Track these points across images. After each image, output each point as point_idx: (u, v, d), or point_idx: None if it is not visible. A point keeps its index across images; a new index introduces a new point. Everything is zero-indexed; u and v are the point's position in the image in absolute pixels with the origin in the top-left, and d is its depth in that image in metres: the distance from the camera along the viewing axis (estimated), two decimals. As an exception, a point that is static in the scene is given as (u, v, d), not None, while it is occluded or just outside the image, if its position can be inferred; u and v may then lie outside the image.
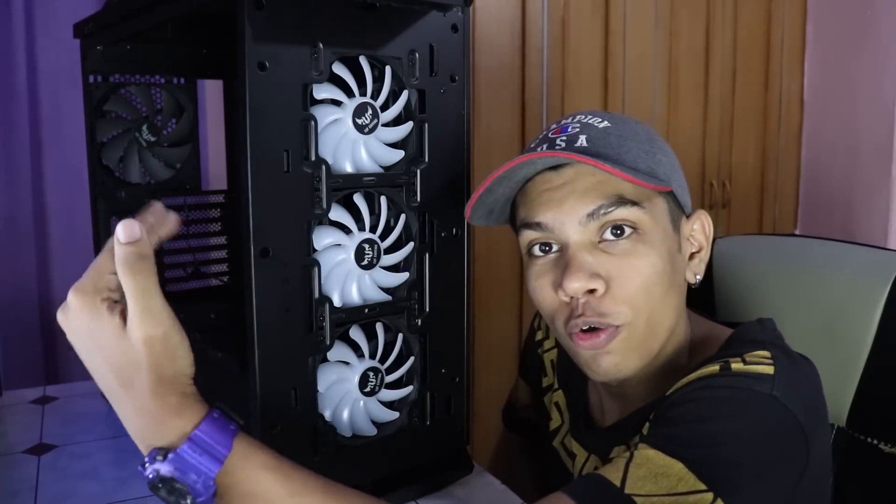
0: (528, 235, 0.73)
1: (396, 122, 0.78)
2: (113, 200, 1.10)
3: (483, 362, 2.05)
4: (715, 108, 2.38)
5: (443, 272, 0.82)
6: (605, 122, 0.72)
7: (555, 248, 0.72)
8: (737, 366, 0.66)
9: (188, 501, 0.52)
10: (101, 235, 1.09)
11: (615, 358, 0.71)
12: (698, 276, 0.75)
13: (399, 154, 0.77)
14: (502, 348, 2.09)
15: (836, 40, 2.44)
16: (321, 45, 0.71)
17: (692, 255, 0.75)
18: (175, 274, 1.17)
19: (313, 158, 0.71)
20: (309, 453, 0.75)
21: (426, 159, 0.79)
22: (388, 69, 0.76)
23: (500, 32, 2.01)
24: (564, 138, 0.71)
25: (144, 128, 1.11)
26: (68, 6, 1.60)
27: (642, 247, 0.69)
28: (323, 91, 0.72)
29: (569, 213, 0.69)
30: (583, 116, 0.74)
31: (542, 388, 0.96)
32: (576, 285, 0.68)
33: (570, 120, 0.74)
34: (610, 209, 0.68)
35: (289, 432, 0.73)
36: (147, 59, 1.10)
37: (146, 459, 0.54)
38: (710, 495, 0.58)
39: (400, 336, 0.80)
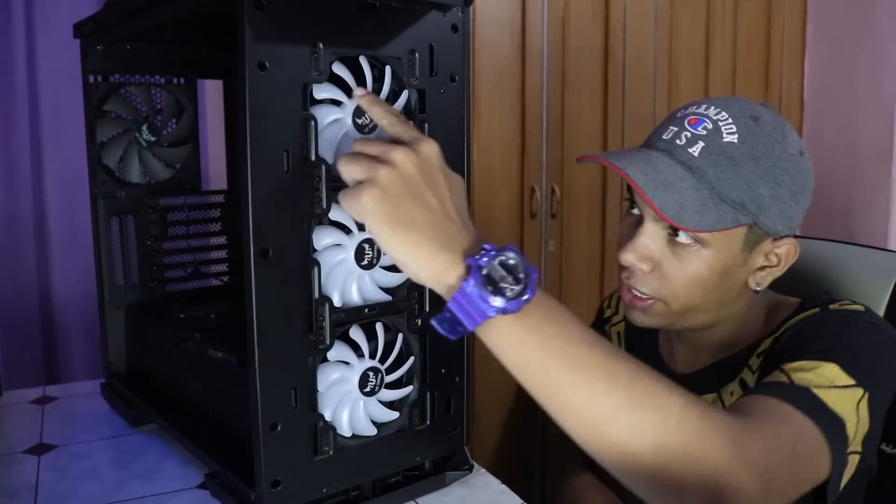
0: (627, 193, 0.84)
1: (396, 122, 0.78)
2: (113, 200, 1.10)
3: (483, 362, 2.05)
4: (715, 108, 2.38)
5: (443, 272, 0.82)
6: (734, 137, 0.76)
7: (635, 210, 0.83)
8: (833, 306, 0.79)
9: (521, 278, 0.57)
10: (101, 235, 1.10)
11: (644, 317, 0.82)
12: (759, 287, 0.83)
13: (399, 154, 0.77)
14: (502, 348, 2.09)
15: (836, 40, 2.44)
16: (321, 45, 0.71)
17: (763, 268, 0.82)
18: (175, 274, 1.17)
19: (313, 158, 0.71)
20: (309, 453, 0.75)
21: (426, 159, 0.79)
22: (388, 69, 0.76)
23: (500, 32, 2.01)
24: (689, 135, 0.77)
25: (144, 128, 1.11)
26: (68, 6, 1.60)
27: (696, 258, 0.78)
28: (323, 91, 0.72)
29: (648, 209, 0.79)
30: (725, 115, 0.77)
31: (602, 321, 1.06)
32: (627, 257, 0.80)
33: (712, 112, 0.78)
34: (670, 229, 0.79)
35: (289, 432, 0.73)
36: (147, 59, 1.10)
37: (475, 259, 0.57)
38: (860, 390, 0.70)
39: (400, 336, 0.80)
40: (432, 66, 0.79)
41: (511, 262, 0.58)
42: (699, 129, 0.77)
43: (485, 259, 0.57)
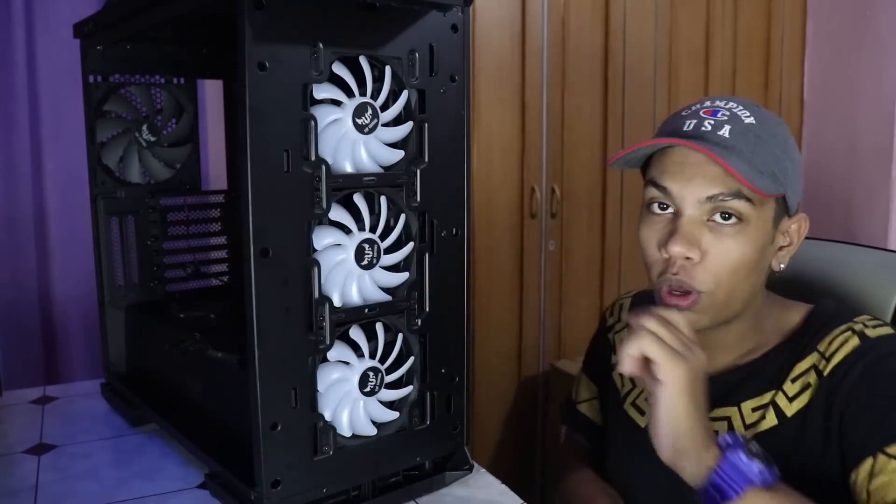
0: (652, 192, 0.82)
1: (396, 122, 0.78)
2: (113, 200, 1.10)
3: (483, 362, 2.05)
4: (715, 108, 2.38)
5: (443, 272, 0.82)
6: (752, 119, 0.79)
7: (670, 210, 0.81)
8: (871, 331, 0.79)
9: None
10: (101, 235, 1.10)
11: (691, 316, 0.80)
12: (782, 266, 0.84)
13: (399, 154, 0.77)
14: (502, 348, 2.09)
15: (836, 40, 2.44)
16: (321, 45, 0.71)
17: (782, 248, 0.83)
18: (175, 274, 1.17)
19: (313, 158, 0.71)
20: (309, 453, 0.75)
21: (426, 159, 0.79)
22: (388, 69, 0.76)
23: (500, 32, 2.01)
24: (712, 122, 0.79)
25: (144, 128, 1.11)
26: (68, 6, 1.60)
27: (741, 236, 0.78)
28: (323, 91, 0.72)
29: (693, 190, 0.78)
30: (735, 105, 0.81)
31: (610, 366, 1.02)
32: (677, 249, 0.78)
33: (722, 104, 0.81)
34: (727, 199, 0.77)
35: (289, 432, 0.73)
36: (147, 59, 1.10)
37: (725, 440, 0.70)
38: None
39: (400, 336, 0.80)
40: (432, 66, 0.79)
41: (753, 447, 0.69)
42: (719, 115, 0.79)
43: (734, 441, 0.69)
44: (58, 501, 0.84)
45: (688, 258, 0.78)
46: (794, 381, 0.81)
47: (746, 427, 0.81)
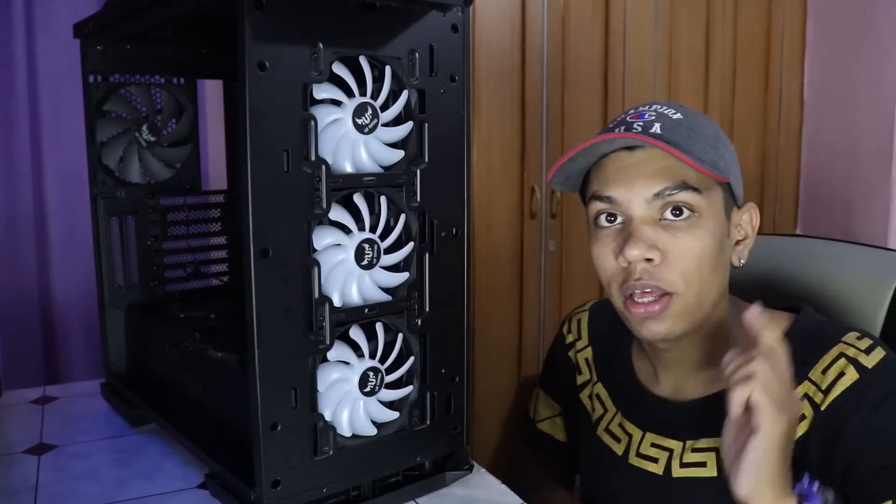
0: (597, 206, 0.81)
1: (396, 122, 0.78)
2: (113, 200, 1.10)
3: (483, 362, 2.05)
4: (715, 108, 2.38)
5: (443, 272, 0.82)
6: (679, 115, 0.79)
7: (619, 220, 0.79)
8: (866, 359, 0.75)
9: None
10: (101, 235, 1.10)
11: (666, 324, 0.79)
12: (742, 261, 0.82)
13: (399, 154, 0.77)
14: (502, 348, 2.09)
15: (836, 40, 2.44)
16: (321, 45, 0.71)
17: (738, 242, 0.83)
18: (175, 274, 1.17)
19: (313, 158, 0.71)
20: (309, 453, 0.75)
21: (426, 159, 0.79)
22: (388, 69, 0.76)
23: (500, 32, 2.01)
24: (641, 123, 0.78)
25: (144, 128, 1.11)
26: (68, 6, 1.60)
27: (697, 229, 0.77)
28: (323, 91, 0.72)
29: (637, 190, 0.77)
30: (658, 106, 0.81)
31: (576, 387, 1.00)
32: (635, 252, 0.76)
33: (646, 108, 0.81)
34: (674, 192, 0.76)
35: (289, 432, 0.73)
36: (147, 59, 1.10)
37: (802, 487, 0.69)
38: None
39: (400, 336, 0.80)
40: (432, 66, 0.79)
41: (829, 497, 0.69)
42: (646, 117, 0.79)
43: (812, 491, 0.69)
44: (58, 501, 0.84)
45: (648, 259, 0.77)
46: None
47: None
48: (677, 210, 0.77)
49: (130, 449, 0.98)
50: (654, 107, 0.81)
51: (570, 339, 1.03)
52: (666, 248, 0.77)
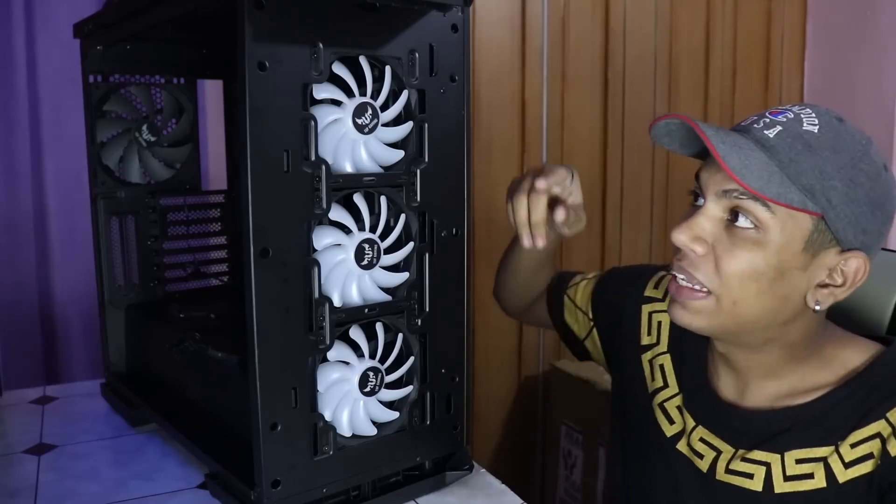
0: (693, 184, 0.78)
1: (396, 122, 0.78)
2: (113, 200, 1.10)
3: (483, 362, 2.05)
4: (715, 107, 2.38)
5: (443, 272, 0.82)
6: (814, 128, 0.72)
7: (699, 202, 0.76)
8: None
9: None
10: (101, 235, 1.10)
11: (688, 314, 0.75)
12: (818, 306, 0.74)
13: (399, 154, 0.77)
14: (502, 348, 2.09)
15: (836, 40, 2.44)
16: (321, 45, 0.71)
17: (826, 286, 0.73)
18: (175, 274, 1.17)
19: (313, 158, 0.71)
20: (309, 453, 0.75)
21: (426, 159, 0.79)
22: (388, 69, 0.76)
23: (500, 32, 2.01)
24: (768, 120, 0.73)
25: (144, 128, 1.11)
26: (68, 6, 1.60)
27: (753, 244, 0.71)
28: (323, 91, 0.72)
29: (715, 180, 0.73)
30: (807, 111, 0.74)
31: (638, 345, 0.94)
32: (680, 237, 0.74)
33: (796, 108, 0.75)
34: (742, 197, 0.71)
35: (289, 432, 0.73)
36: (147, 59, 1.10)
37: None
38: None
39: (400, 336, 0.80)
40: (432, 66, 0.79)
41: None
42: (780, 117, 0.74)
43: None
44: (58, 501, 0.84)
45: (692, 250, 0.74)
46: (854, 446, 0.72)
47: (787, 479, 0.75)
48: (745, 218, 0.72)
49: (130, 449, 0.98)
50: (804, 110, 0.74)
51: (650, 293, 0.96)
52: (716, 247, 0.73)
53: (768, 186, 0.69)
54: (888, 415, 0.71)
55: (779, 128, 0.72)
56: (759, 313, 0.74)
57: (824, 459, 0.73)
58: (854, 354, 0.77)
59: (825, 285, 0.73)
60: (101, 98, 1.08)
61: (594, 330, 1.00)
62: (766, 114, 0.75)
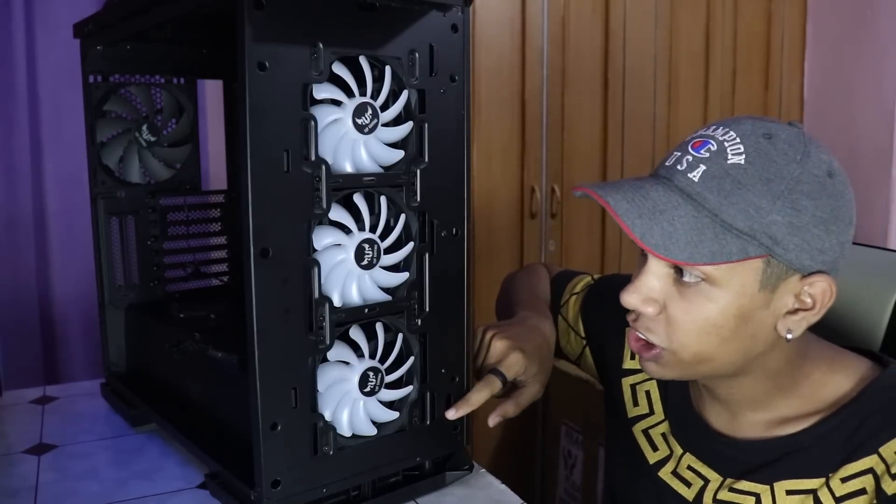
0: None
1: (396, 122, 0.78)
2: (113, 200, 1.10)
3: (483, 362, 2.05)
4: (715, 108, 2.38)
5: (443, 272, 0.82)
6: (741, 158, 0.67)
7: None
8: None
9: None
10: (101, 235, 1.10)
11: (657, 368, 0.74)
12: (790, 335, 0.70)
13: (399, 154, 0.77)
14: (502, 348, 2.09)
15: (836, 40, 2.44)
16: (321, 45, 0.71)
17: (796, 311, 0.70)
18: (175, 274, 1.17)
19: (313, 158, 0.71)
20: (309, 453, 0.75)
21: (426, 159, 0.79)
22: (388, 69, 0.76)
23: (500, 32, 2.01)
24: (689, 160, 0.69)
25: (144, 128, 1.11)
26: (68, 6, 1.60)
27: (705, 299, 0.68)
28: (323, 91, 0.72)
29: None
30: (732, 136, 0.68)
31: (621, 369, 0.92)
32: (629, 300, 0.72)
33: (720, 133, 0.69)
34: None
35: (289, 432, 0.73)
36: (147, 59, 1.10)
37: None
38: None
39: (400, 336, 0.80)
40: (432, 66, 0.79)
41: None
42: (702, 151, 0.68)
43: None
44: (58, 501, 0.84)
45: (644, 312, 0.71)
46: (845, 480, 0.70)
47: None
48: (693, 277, 0.69)
49: (130, 449, 0.98)
50: (728, 135, 0.69)
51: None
52: (667, 303, 0.70)
53: (699, 251, 0.65)
54: (880, 450, 0.68)
55: (702, 167, 0.67)
56: (727, 358, 0.71)
57: (814, 492, 0.71)
58: (845, 379, 0.74)
59: (795, 311, 0.70)
60: (101, 98, 1.08)
61: (586, 348, 0.99)
62: (689, 148, 0.70)
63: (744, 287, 0.67)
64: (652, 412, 0.87)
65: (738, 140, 0.68)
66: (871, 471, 0.68)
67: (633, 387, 0.90)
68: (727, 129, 0.69)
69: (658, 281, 0.70)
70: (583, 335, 0.99)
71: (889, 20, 2.27)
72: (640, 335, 0.73)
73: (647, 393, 0.89)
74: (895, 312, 0.92)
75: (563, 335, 1.01)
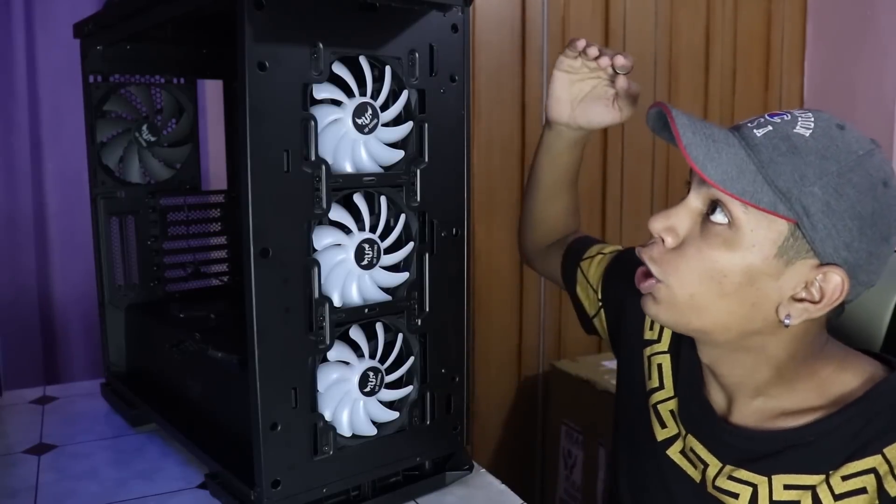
0: (689, 175, 0.76)
1: (396, 122, 0.78)
2: (113, 200, 1.10)
3: (483, 362, 2.05)
4: (715, 108, 2.38)
5: (443, 272, 0.82)
6: (807, 132, 0.68)
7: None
8: None
9: None
10: (101, 235, 1.10)
11: (651, 307, 0.75)
12: (788, 321, 0.69)
13: (399, 154, 0.77)
14: (502, 348, 2.09)
15: (836, 40, 2.44)
16: (321, 45, 0.71)
17: (801, 300, 0.69)
18: (175, 274, 1.17)
19: (313, 158, 0.71)
20: (309, 453, 0.75)
21: (426, 159, 0.79)
22: (388, 69, 0.76)
23: (500, 32, 2.01)
24: (762, 121, 0.70)
25: (144, 128, 1.11)
26: (68, 6, 1.60)
27: (721, 241, 0.69)
28: (323, 91, 0.72)
29: (697, 173, 0.69)
30: (808, 115, 0.70)
31: (642, 339, 0.91)
32: (655, 225, 0.72)
33: (799, 112, 0.71)
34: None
35: (289, 432, 0.73)
36: (147, 59, 1.10)
37: None
38: None
39: (400, 336, 0.80)
40: (432, 66, 0.79)
41: None
42: (776, 118, 0.70)
43: None
44: (58, 501, 0.84)
45: (662, 239, 0.72)
46: (845, 478, 0.68)
47: (772, 503, 0.72)
48: (721, 214, 0.69)
49: (130, 449, 0.98)
50: (804, 115, 0.70)
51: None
52: (686, 243, 0.71)
53: (735, 182, 0.66)
54: (885, 450, 0.67)
55: (769, 128, 0.69)
56: (724, 316, 0.71)
57: (813, 488, 0.70)
58: (852, 378, 0.73)
59: (800, 299, 0.69)
60: (101, 98, 1.08)
61: (602, 311, 0.98)
62: (766, 115, 0.72)
63: (762, 246, 0.67)
64: (662, 386, 0.86)
65: (811, 118, 0.69)
66: (873, 471, 0.67)
67: (649, 358, 0.89)
68: (806, 112, 0.71)
69: (688, 217, 0.71)
70: (599, 297, 0.98)
71: (889, 20, 2.27)
72: (645, 264, 0.74)
73: (660, 367, 0.88)
74: (895, 313, 0.92)
75: (581, 289, 1.01)
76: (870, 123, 2.32)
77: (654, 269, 0.73)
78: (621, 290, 0.95)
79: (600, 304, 0.98)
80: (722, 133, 0.70)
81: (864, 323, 0.94)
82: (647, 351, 0.90)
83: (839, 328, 0.93)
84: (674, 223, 0.72)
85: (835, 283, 0.67)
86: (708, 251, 0.69)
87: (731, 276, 0.69)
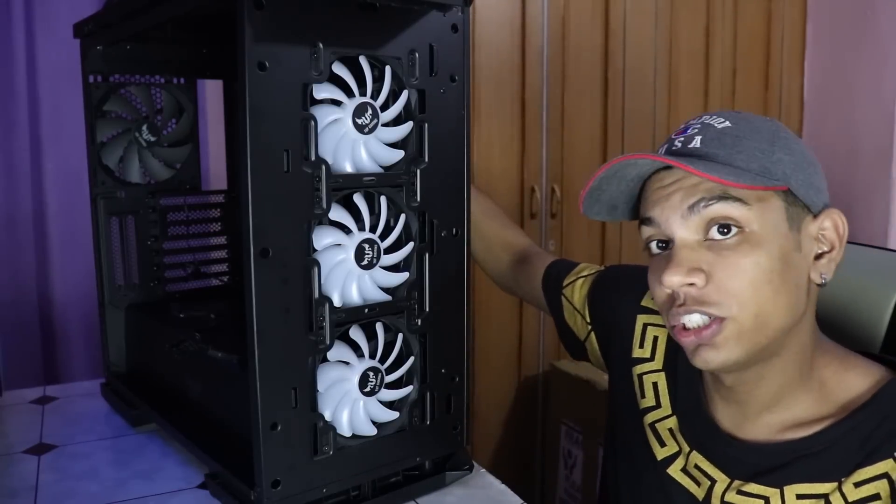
0: (644, 231, 0.74)
1: (396, 122, 0.78)
2: (113, 200, 1.10)
3: (483, 362, 2.05)
4: (715, 108, 2.38)
5: (443, 272, 0.82)
6: (726, 122, 0.72)
7: (669, 244, 0.72)
8: None
9: None
10: (101, 235, 1.10)
11: (720, 353, 0.70)
12: (825, 277, 0.71)
13: (399, 154, 0.77)
14: (502, 348, 2.09)
15: (836, 40, 2.44)
16: (321, 45, 0.71)
17: (820, 255, 0.72)
18: (175, 274, 1.17)
19: (313, 158, 0.71)
20: (309, 453, 0.75)
21: (426, 159, 0.79)
22: (388, 69, 0.76)
23: (500, 32, 2.01)
24: (682, 139, 0.73)
25: (144, 128, 1.11)
26: (68, 6, 1.60)
27: (747, 245, 0.68)
28: (323, 91, 0.72)
29: (673, 207, 0.70)
30: (708, 117, 0.74)
31: (630, 357, 0.90)
32: (674, 279, 0.69)
33: (695, 120, 0.75)
34: (710, 202, 0.68)
35: (289, 432, 0.73)
36: (147, 59, 1.10)
37: None
38: None
39: (400, 336, 0.80)
40: (432, 66, 0.79)
41: None
42: (689, 131, 0.73)
43: None
44: (58, 501, 0.84)
45: (690, 284, 0.69)
46: (858, 485, 0.68)
47: None
48: (724, 228, 0.69)
49: (130, 449, 0.98)
50: (704, 118, 0.74)
51: (646, 302, 0.91)
52: (712, 269, 0.69)
53: (745, 178, 0.67)
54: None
55: (698, 137, 0.72)
56: (782, 313, 0.70)
57: (826, 496, 0.69)
58: (857, 380, 0.73)
59: (820, 255, 0.72)
60: (101, 98, 1.08)
61: (592, 333, 0.97)
62: (672, 136, 0.75)
63: (777, 227, 0.69)
64: (659, 405, 0.85)
65: (718, 117, 0.74)
66: (886, 475, 0.67)
67: (640, 377, 0.88)
68: (702, 117, 0.75)
69: (692, 251, 0.70)
70: (588, 320, 0.97)
71: (889, 20, 2.27)
72: (694, 322, 0.70)
73: (655, 385, 0.87)
74: (895, 313, 0.92)
75: (569, 315, 1.00)
76: (870, 123, 2.32)
77: (711, 311, 0.69)
78: (607, 308, 0.95)
79: (589, 326, 0.98)
80: (692, 150, 0.72)
81: (864, 323, 0.94)
82: (637, 369, 0.89)
83: (839, 328, 0.93)
84: (689, 264, 0.69)
85: (833, 221, 0.72)
86: (743, 260, 0.68)
87: (775, 268, 0.69)
